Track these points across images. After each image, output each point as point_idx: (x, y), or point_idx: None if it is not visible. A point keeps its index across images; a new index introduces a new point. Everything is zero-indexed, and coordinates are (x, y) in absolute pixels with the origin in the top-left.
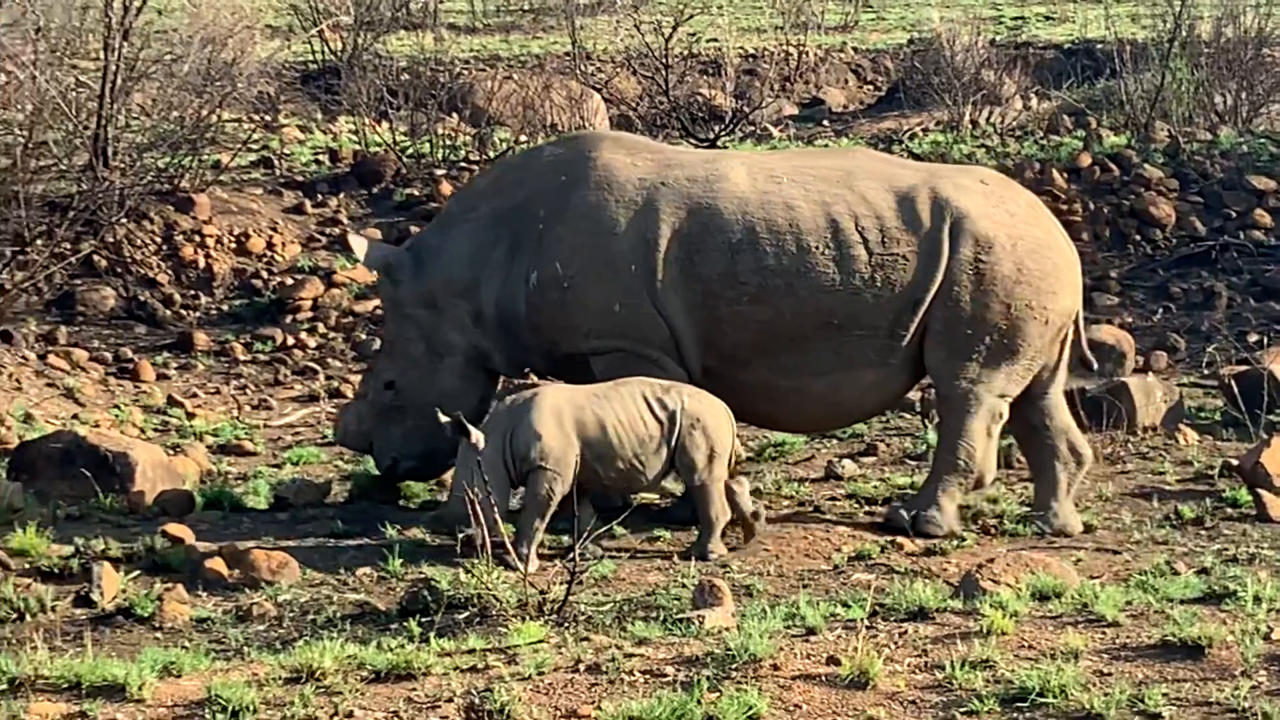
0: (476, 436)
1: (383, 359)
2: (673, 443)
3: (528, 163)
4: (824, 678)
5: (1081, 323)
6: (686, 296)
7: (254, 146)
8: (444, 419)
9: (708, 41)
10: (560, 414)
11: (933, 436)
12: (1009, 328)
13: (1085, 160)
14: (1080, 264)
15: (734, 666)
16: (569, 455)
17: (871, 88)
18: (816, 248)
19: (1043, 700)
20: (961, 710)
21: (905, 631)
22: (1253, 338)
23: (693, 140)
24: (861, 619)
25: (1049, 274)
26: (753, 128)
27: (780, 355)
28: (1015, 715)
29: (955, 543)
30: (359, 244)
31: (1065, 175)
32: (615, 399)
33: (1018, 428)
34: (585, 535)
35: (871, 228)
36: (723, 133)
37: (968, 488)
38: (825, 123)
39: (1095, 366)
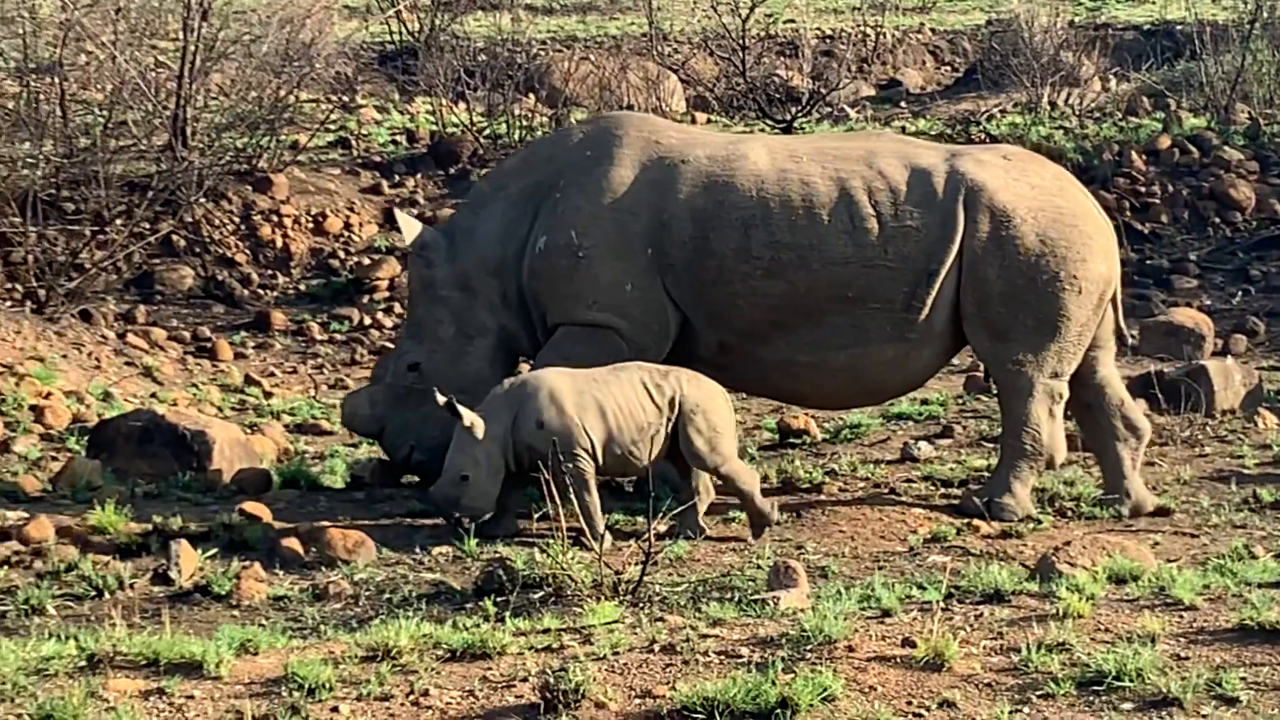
0: (470, 419)
1: (407, 340)
2: (672, 429)
3: (557, 139)
4: (899, 660)
5: (1119, 298)
6: (701, 275)
7: (331, 127)
8: (441, 399)
9: (785, 22)
10: (562, 398)
11: None
12: (1042, 301)
13: (1164, 142)
14: (1115, 235)
15: (809, 648)
16: (577, 434)
17: (949, 69)
18: (829, 221)
19: (1119, 684)
20: (1037, 693)
21: (981, 614)
22: None
23: (769, 122)
24: (937, 601)
25: (1075, 242)
26: (830, 109)
27: (797, 330)
28: (1091, 699)
29: (1031, 525)
30: (409, 224)
31: (1144, 157)
32: (614, 384)
33: (1073, 409)
34: (660, 518)
35: (885, 201)
36: (799, 114)
37: (1038, 470)
38: (902, 104)
39: (1129, 342)
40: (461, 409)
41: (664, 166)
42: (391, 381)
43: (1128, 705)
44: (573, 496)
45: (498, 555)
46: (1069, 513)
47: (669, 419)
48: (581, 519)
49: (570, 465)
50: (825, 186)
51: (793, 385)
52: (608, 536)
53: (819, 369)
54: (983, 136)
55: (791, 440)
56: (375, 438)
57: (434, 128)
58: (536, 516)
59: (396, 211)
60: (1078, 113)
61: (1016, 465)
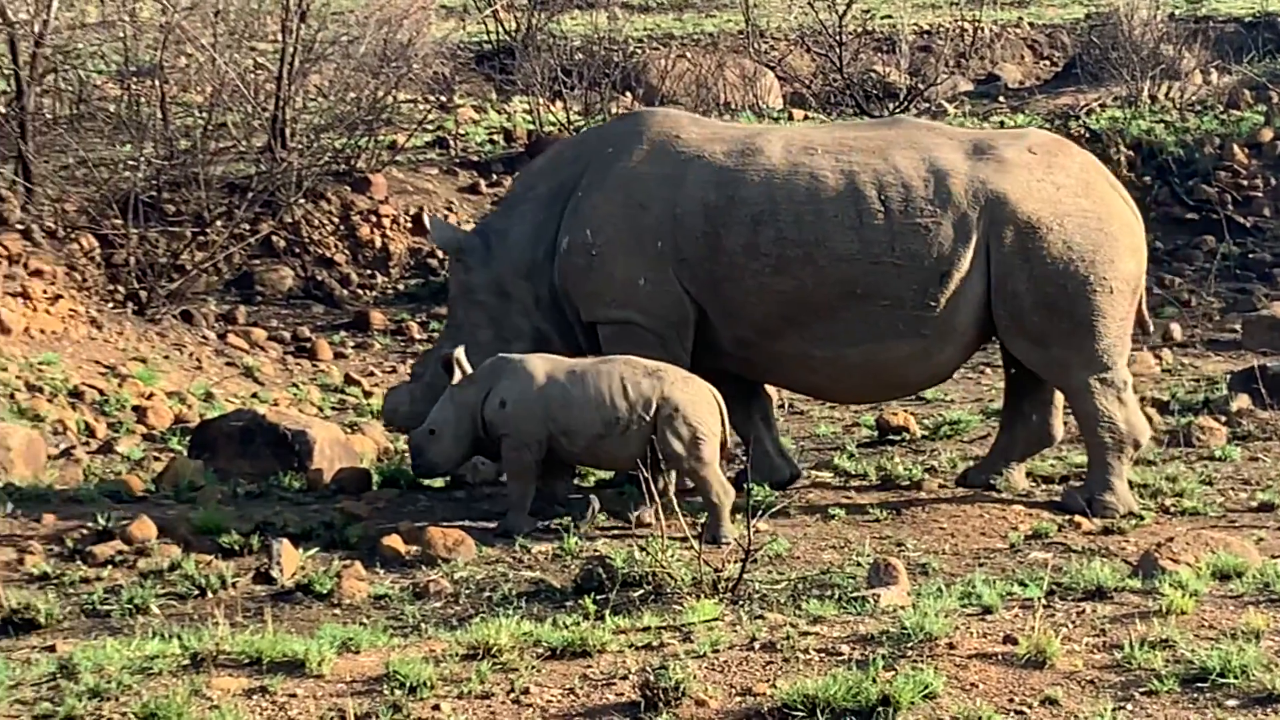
0: (458, 378)
1: (446, 342)
2: (648, 428)
3: (583, 139)
4: (1000, 657)
5: (1142, 288)
6: (714, 270)
7: (429, 127)
8: (458, 355)
9: (882, 18)
10: (531, 385)
11: None
12: (1075, 306)
13: (1266, 135)
14: (1142, 225)
15: (909, 645)
16: (532, 426)
17: (1048, 63)
18: (836, 216)
19: (1223, 680)
20: (1140, 690)
21: (1083, 611)
22: None
23: (866, 118)
24: (1039, 598)
25: (1102, 245)
26: (927, 105)
27: (811, 325)
28: (1195, 696)
29: (1134, 522)
30: (439, 227)
31: (1246, 151)
32: (590, 376)
33: (1010, 380)
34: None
35: (896, 197)
36: (897, 110)
37: (1129, 458)
38: (1001, 99)
39: (1151, 330)
40: (459, 370)
41: (679, 162)
42: (432, 380)
43: (1232, 702)
44: (508, 481)
45: (597, 553)
46: (1171, 509)
47: (643, 417)
48: (509, 504)
49: (514, 451)
50: (834, 181)
51: (812, 379)
52: (526, 524)
53: (835, 364)
54: (1082, 131)
55: (891, 437)
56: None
57: (531, 127)
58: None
59: (425, 215)
60: (1178, 106)
61: (1107, 461)
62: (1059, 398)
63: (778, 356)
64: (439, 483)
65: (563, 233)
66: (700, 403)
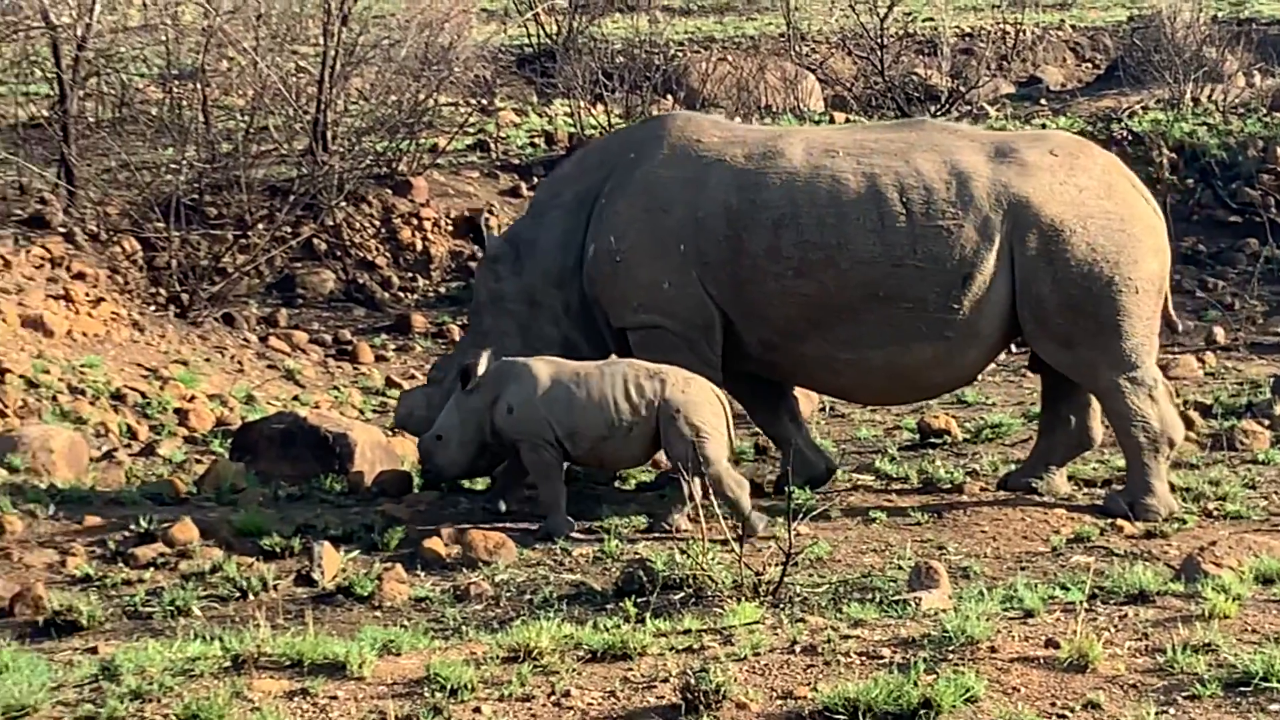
0: (471, 386)
1: (469, 349)
2: (651, 430)
3: (607, 144)
4: (1042, 660)
5: (1168, 287)
6: (737, 273)
7: (470, 130)
8: (483, 359)
9: (924, 21)
10: (536, 389)
11: None
12: (1100, 307)
13: None
14: (1165, 226)
15: (951, 649)
16: (539, 428)
17: (1090, 65)
18: (857, 219)
19: (1266, 685)
20: (1183, 694)
21: (1125, 614)
22: None
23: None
24: (1081, 601)
25: (1125, 246)
26: (969, 107)
27: (834, 328)
28: (1238, 700)
29: (1176, 525)
30: (491, 237)
31: None
32: (594, 379)
33: (1045, 385)
34: (801, 519)
35: (918, 200)
36: (938, 112)
37: (1166, 457)
38: (1042, 101)
39: (1179, 330)
40: (474, 374)
41: (700, 165)
42: (451, 387)
43: (1275, 706)
44: (538, 486)
45: (637, 556)
46: (1214, 513)
47: (647, 418)
48: (543, 506)
49: (533, 454)
50: (855, 184)
51: (837, 381)
52: (567, 520)
53: (859, 366)
54: (1124, 133)
55: (932, 440)
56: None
57: (572, 130)
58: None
59: (484, 221)
60: (1221, 109)
61: (1144, 462)
62: (1096, 400)
63: (801, 359)
64: (480, 484)
65: (589, 240)
66: (702, 403)
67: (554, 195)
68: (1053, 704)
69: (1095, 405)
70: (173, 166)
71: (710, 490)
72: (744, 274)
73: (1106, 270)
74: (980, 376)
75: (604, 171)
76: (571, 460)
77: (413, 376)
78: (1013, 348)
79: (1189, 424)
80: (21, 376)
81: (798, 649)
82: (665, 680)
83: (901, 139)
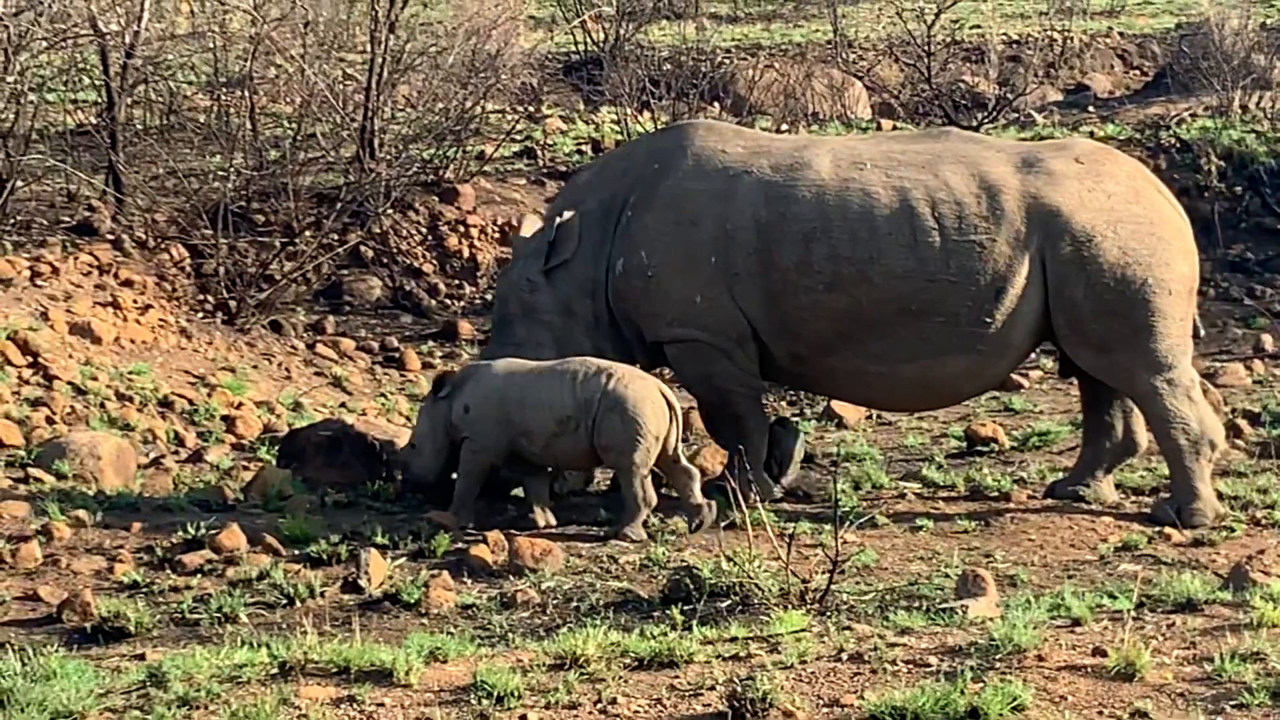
0: (445, 392)
1: (495, 356)
2: (591, 424)
3: (630, 152)
4: (1089, 669)
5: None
6: (767, 286)
7: (517, 137)
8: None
9: (971, 28)
10: (492, 389)
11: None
12: (1134, 310)
13: None
14: (1190, 229)
15: (998, 657)
16: (493, 429)
17: (1138, 73)
18: (890, 234)
19: None
20: (1231, 703)
21: (1173, 623)
22: None
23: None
24: (1128, 610)
25: (1157, 249)
26: (1016, 115)
27: (865, 342)
28: None
29: (1224, 534)
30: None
31: None
32: (546, 378)
33: (1085, 392)
34: (848, 526)
35: (950, 214)
36: (986, 120)
37: (1209, 458)
38: (1090, 109)
39: (1203, 334)
40: (445, 383)
41: (728, 177)
42: None
43: None
44: (458, 479)
45: (684, 564)
46: (1263, 521)
47: (593, 414)
48: (455, 499)
49: (470, 455)
50: (886, 198)
51: (866, 393)
52: (468, 519)
53: (890, 379)
54: (1173, 141)
55: (979, 449)
56: None
57: (619, 137)
58: (723, 525)
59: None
60: (1270, 116)
61: (1186, 466)
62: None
63: (831, 371)
64: (519, 492)
65: (615, 254)
66: (645, 401)
67: (577, 204)
68: (1100, 713)
69: (1139, 410)
70: (220, 174)
71: (619, 484)
72: (774, 287)
73: (1139, 273)
74: (1028, 384)
75: (628, 181)
76: (529, 460)
77: None
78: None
79: (1237, 432)
80: (69, 383)
81: (844, 657)
82: (712, 688)
83: (928, 150)
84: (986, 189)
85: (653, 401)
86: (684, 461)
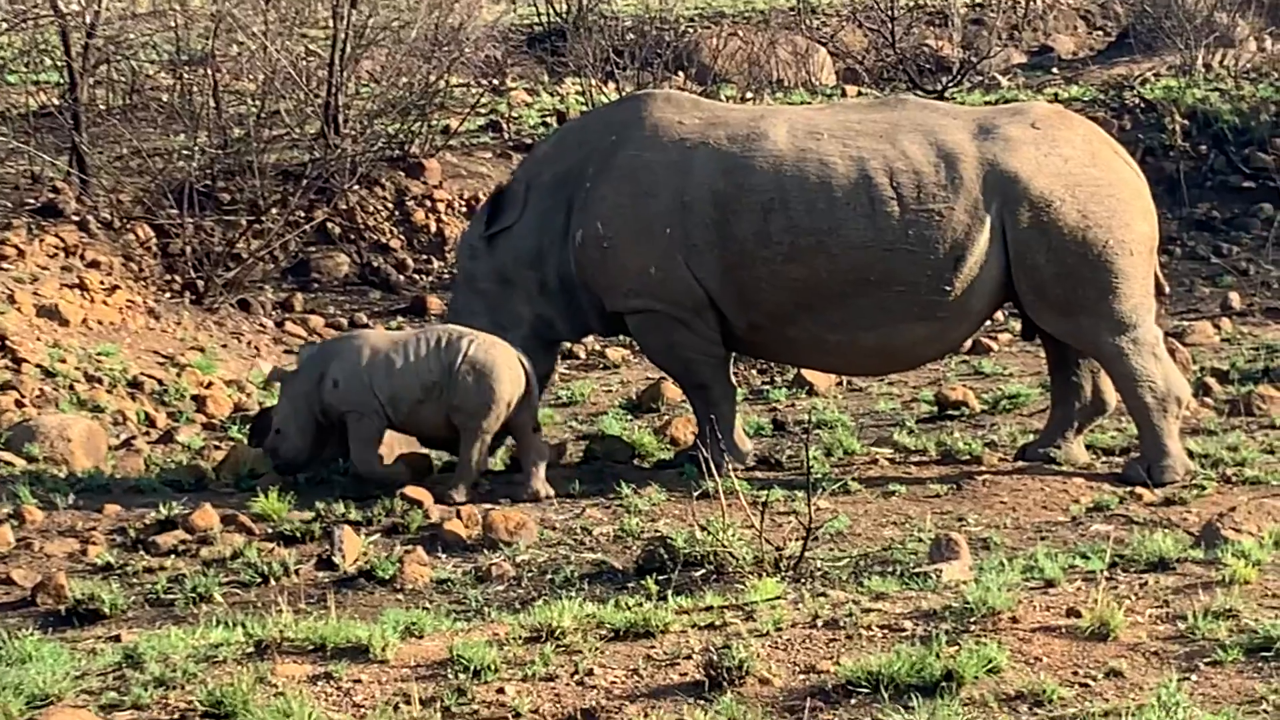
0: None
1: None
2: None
3: (586, 125)
4: (1064, 630)
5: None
6: (724, 257)
7: (482, 110)
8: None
9: None
10: (359, 360)
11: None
12: (1097, 273)
13: None
14: (1148, 188)
15: (972, 620)
16: (366, 396)
17: (1101, 33)
18: (848, 204)
19: None
20: (1205, 661)
21: (1146, 582)
22: None
23: (919, 92)
24: (1101, 570)
25: (1116, 210)
26: (981, 78)
27: (824, 311)
28: (1260, 665)
29: (1195, 492)
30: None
31: None
32: (409, 345)
33: (1051, 354)
34: (820, 494)
35: (908, 184)
36: (950, 84)
37: (1176, 416)
38: (1054, 70)
39: (1168, 292)
40: (281, 371)
41: (684, 149)
42: None
43: None
44: (353, 454)
45: (658, 534)
46: (1233, 478)
47: (449, 378)
48: (357, 474)
49: (359, 423)
50: (844, 168)
51: (826, 360)
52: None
53: (849, 347)
54: (1137, 101)
55: (950, 412)
56: None
57: (584, 108)
58: (696, 494)
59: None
60: (1233, 74)
61: (1154, 424)
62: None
63: (791, 341)
64: (499, 465)
65: (574, 225)
66: (501, 368)
67: (533, 176)
68: (1075, 673)
69: (1105, 371)
70: (185, 153)
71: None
72: (732, 259)
73: (1100, 236)
74: (997, 348)
75: (584, 153)
76: (394, 428)
77: None
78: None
79: (1206, 390)
80: (38, 366)
81: (819, 623)
82: (688, 657)
83: (886, 119)
84: (944, 157)
85: (510, 368)
86: (540, 435)
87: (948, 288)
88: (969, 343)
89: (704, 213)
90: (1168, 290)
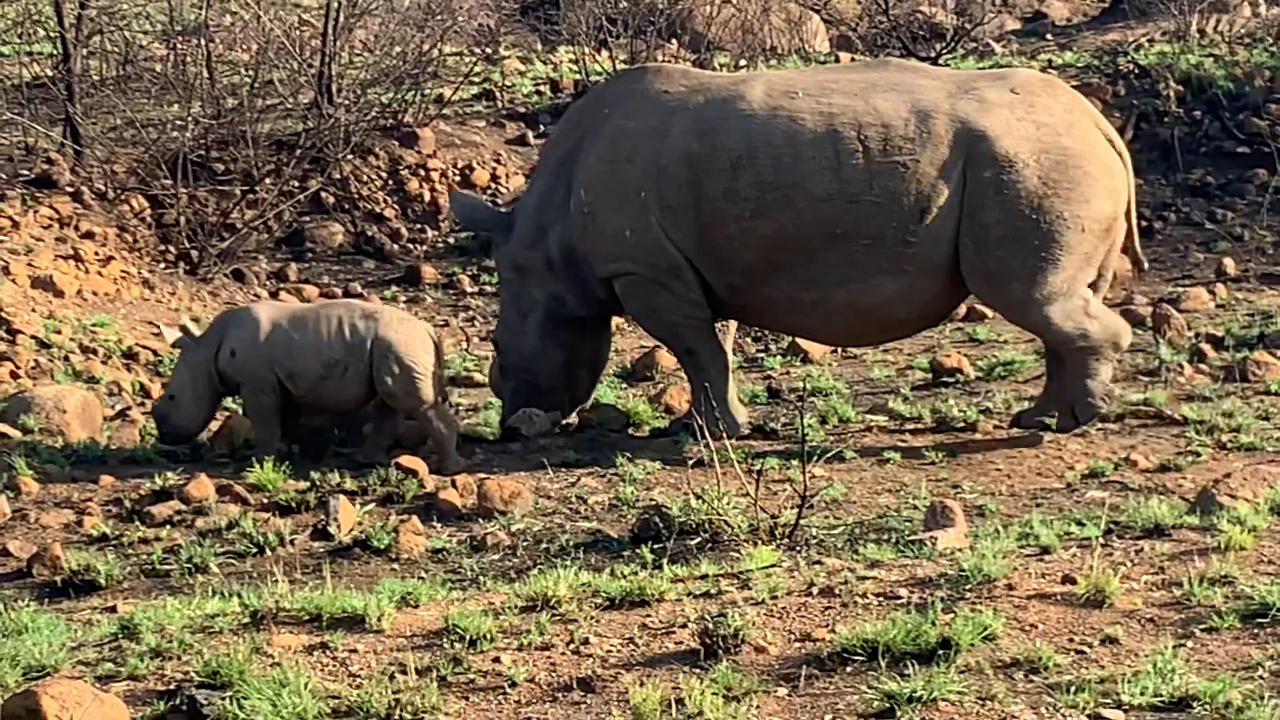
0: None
1: (500, 324)
2: (365, 369)
3: (585, 104)
4: (1059, 597)
5: (1134, 226)
6: (698, 217)
7: (475, 79)
8: (172, 335)
9: None
10: (258, 331)
11: (1165, 351)
12: (1042, 242)
13: None
14: (1124, 169)
15: (968, 587)
16: (263, 370)
17: None
18: (814, 158)
19: None
20: (1200, 627)
21: (1141, 549)
22: None
23: (913, 60)
24: (1096, 537)
25: (1079, 183)
26: (974, 44)
27: (795, 268)
28: (1256, 631)
29: (1190, 459)
30: (458, 203)
31: None
32: (310, 320)
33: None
34: (814, 460)
35: (875, 137)
36: (944, 50)
37: (1109, 359)
38: (1048, 36)
39: (1145, 267)
40: (185, 338)
41: (664, 114)
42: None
43: None
44: (252, 427)
45: (653, 502)
46: (1228, 445)
47: (361, 358)
48: (257, 446)
49: (254, 398)
50: (812, 123)
51: (803, 322)
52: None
53: (823, 306)
54: (1131, 67)
55: (944, 379)
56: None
57: (577, 77)
58: (691, 463)
59: (451, 194)
60: (1227, 39)
61: (1087, 367)
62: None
63: (768, 301)
64: (494, 435)
65: (571, 199)
66: (414, 341)
67: (545, 158)
68: (1070, 639)
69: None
70: (178, 123)
71: (420, 427)
72: (705, 218)
73: (1056, 205)
74: (991, 315)
75: (581, 130)
76: (295, 403)
77: None
78: None
79: (1201, 356)
80: (33, 337)
81: (815, 591)
82: (684, 626)
83: (863, 79)
84: (916, 113)
85: (422, 340)
86: (448, 406)
87: (912, 240)
88: (963, 309)
89: (677, 174)
90: (1146, 267)
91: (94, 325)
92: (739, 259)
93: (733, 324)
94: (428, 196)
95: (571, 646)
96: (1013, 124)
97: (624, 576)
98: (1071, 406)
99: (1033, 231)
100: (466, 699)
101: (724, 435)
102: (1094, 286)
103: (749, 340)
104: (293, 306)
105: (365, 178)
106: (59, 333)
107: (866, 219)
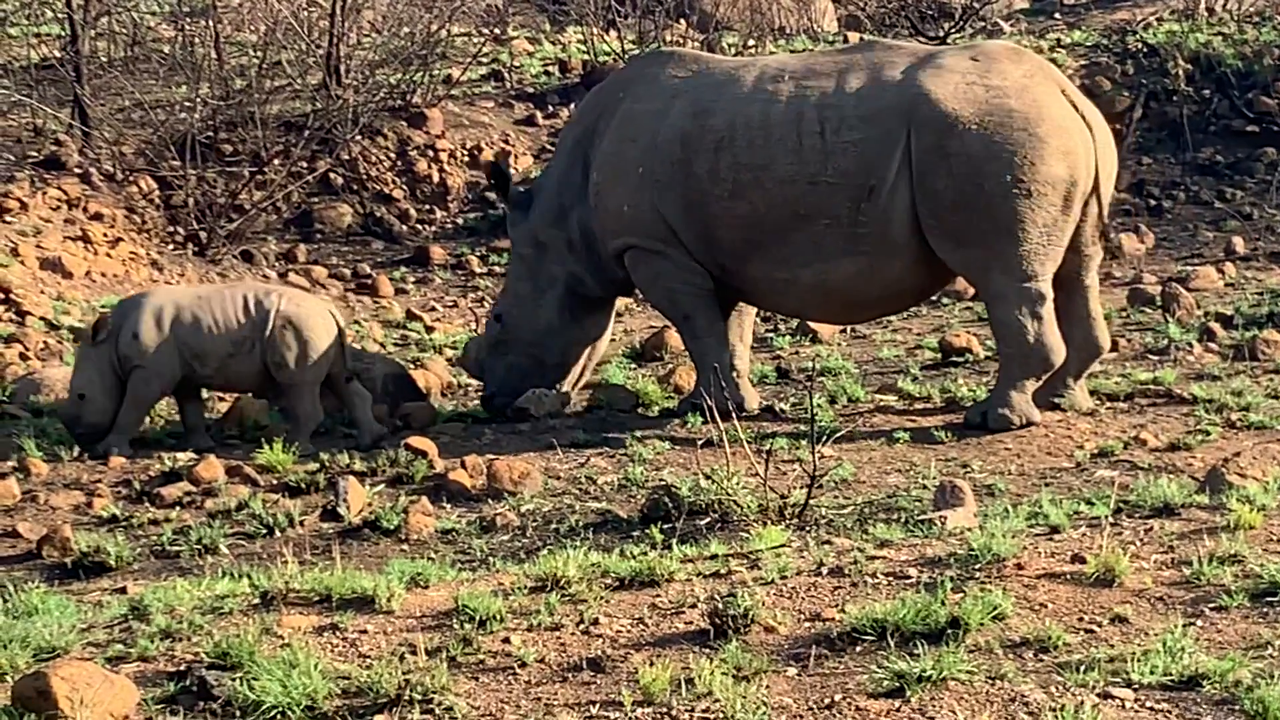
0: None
1: (501, 293)
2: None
3: (605, 86)
4: (1069, 576)
5: (1104, 200)
6: (686, 195)
7: (484, 60)
8: (85, 329)
9: None
10: (160, 314)
11: (1174, 330)
12: (992, 206)
13: None
14: (1088, 135)
15: (977, 567)
16: (166, 353)
17: None
18: (780, 140)
19: None
20: (1210, 606)
21: (1151, 528)
22: None
23: (922, 39)
24: (1106, 516)
25: (1023, 145)
26: (983, 24)
27: (768, 248)
28: (1265, 610)
29: (1200, 438)
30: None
31: None
32: (215, 300)
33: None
34: (824, 441)
35: (832, 118)
36: (953, 29)
37: (1036, 375)
38: (1057, 15)
39: (1112, 240)
40: (103, 327)
41: (669, 97)
42: (486, 330)
43: None
44: (124, 407)
45: (663, 483)
46: (1238, 424)
47: (263, 335)
48: (116, 428)
49: (142, 384)
50: (784, 106)
51: (782, 300)
52: (126, 447)
53: (794, 285)
54: (1140, 45)
55: (953, 359)
56: (480, 379)
57: (586, 57)
58: (700, 443)
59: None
60: (1236, 18)
61: (1011, 373)
62: (1097, 308)
63: (752, 281)
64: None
65: (590, 181)
66: (314, 319)
67: (564, 139)
68: (1080, 619)
69: (1097, 313)
70: (187, 104)
71: (289, 400)
72: (692, 196)
73: (999, 169)
74: None
75: (597, 112)
76: (202, 384)
77: (433, 308)
78: None
79: (1210, 335)
80: (42, 318)
81: (824, 571)
82: (693, 606)
83: (844, 60)
84: (873, 89)
85: (323, 319)
86: (355, 383)
87: (864, 219)
88: (972, 289)
89: (670, 152)
90: (1114, 242)
91: (103, 307)
92: (723, 238)
93: (750, 308)
94: (436, 177)
95: (581, 627)
96: (961, 88)
97: (633, 557)
98: (986, 410)
99: (980, 196)
100: (476, 679)
101: (731, 410)
102: (1079, 267)
103: (758, 320)
104: (195, 288)
105: (374, 159)
106: (68, 314)
107: (824, 199)
